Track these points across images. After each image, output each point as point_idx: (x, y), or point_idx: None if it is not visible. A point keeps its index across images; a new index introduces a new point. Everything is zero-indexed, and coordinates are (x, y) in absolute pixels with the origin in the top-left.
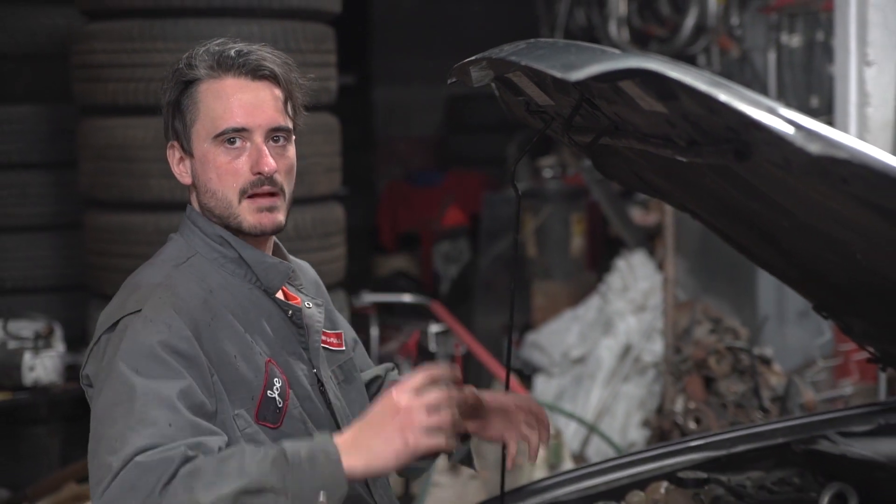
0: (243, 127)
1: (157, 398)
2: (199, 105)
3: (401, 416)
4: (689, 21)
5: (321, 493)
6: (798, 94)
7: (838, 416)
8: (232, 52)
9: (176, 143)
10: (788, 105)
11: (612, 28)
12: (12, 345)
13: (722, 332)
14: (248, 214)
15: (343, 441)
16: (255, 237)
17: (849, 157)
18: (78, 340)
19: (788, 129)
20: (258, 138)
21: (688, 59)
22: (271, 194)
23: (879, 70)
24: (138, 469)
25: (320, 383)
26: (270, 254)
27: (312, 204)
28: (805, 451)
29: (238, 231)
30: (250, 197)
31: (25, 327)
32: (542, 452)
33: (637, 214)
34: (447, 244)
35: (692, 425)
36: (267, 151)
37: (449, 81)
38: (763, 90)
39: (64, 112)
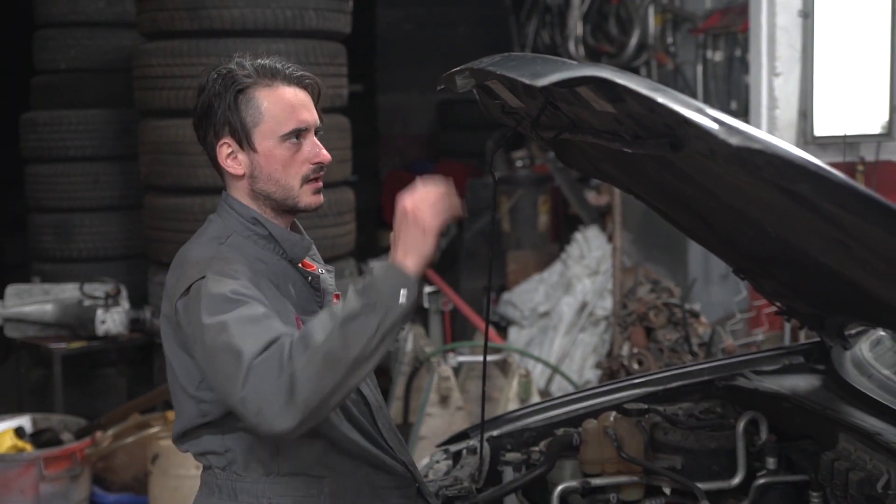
0: (304, 127)
1: (244, 322)
2: (260, 109)
3: (412, 216)
4: (633, 40)
5: (401, 292)
6: (720, 99)
7: (752, 358)
8: (278, 65)
9: (230, 140)
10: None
11: (571, 46)
12: (87, 303)
13: (659, 291)
14: (307, 196)
15: (394, 256)
16: (284, 216)
17: (763, 148)
18: (140, 299)
19: (714, 125)
20: (312, 135)
21: (632, 70)
22: (321, 178)
23: (785, 80)
24: (261, 366)
25: None
26: (290, 230)
27: (328, 188)
28: (725, 386)
29: (293, 209)
30: (309, 181)
31: (98, 289)
32: (514, 390)
33: (591, 196)
34: None
35: (635, 366)
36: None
37: (439, 88)
38: (692, 96)
39: (127, 115)
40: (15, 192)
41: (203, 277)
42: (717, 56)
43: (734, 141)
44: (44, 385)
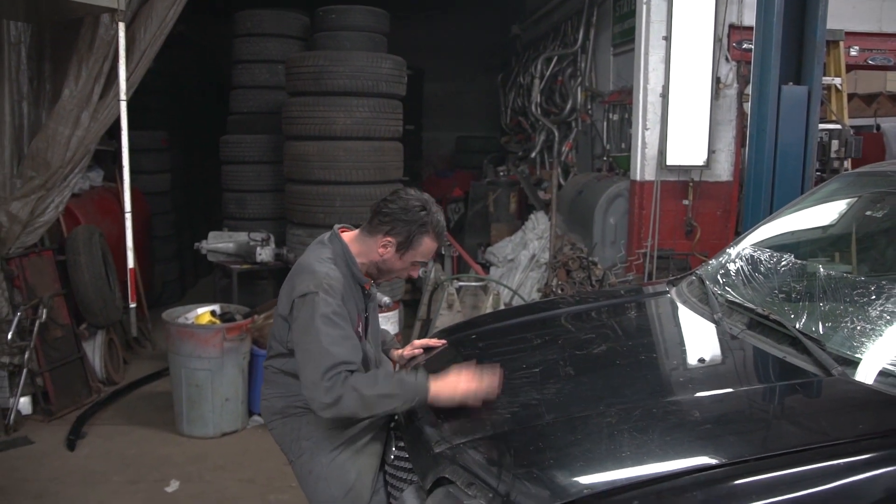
0: (426, 262)
1: (332, 340)
2: (423, 244)
3: (464, 386)
4: (568, 106)
5: (415, 399)
6: (616, 142)
7: (629, 289)
8: (444, 229)
9: (395, 242)
10: (611, 149)
11: (533, 108)
12: (252, 243)
13: (576, 249)
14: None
15: (434, 381)
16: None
17: None
18: (280, 242)
19: None
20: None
21: (567, 124)
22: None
23: (651, 132)
24: (329, 378)
25: (367, 322)
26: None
27: (389, 183)
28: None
29: (375, 279)
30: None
31: (258, 235)
32: (491, 302)
33: (540, 194)
34: (454, 204)
35: (559, 291)
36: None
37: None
38: (601, 140)
39: (278, 138)
40: (217, 181)
41: (316, 293)
42: (615, 117)
43: None
44: (227, 288)
